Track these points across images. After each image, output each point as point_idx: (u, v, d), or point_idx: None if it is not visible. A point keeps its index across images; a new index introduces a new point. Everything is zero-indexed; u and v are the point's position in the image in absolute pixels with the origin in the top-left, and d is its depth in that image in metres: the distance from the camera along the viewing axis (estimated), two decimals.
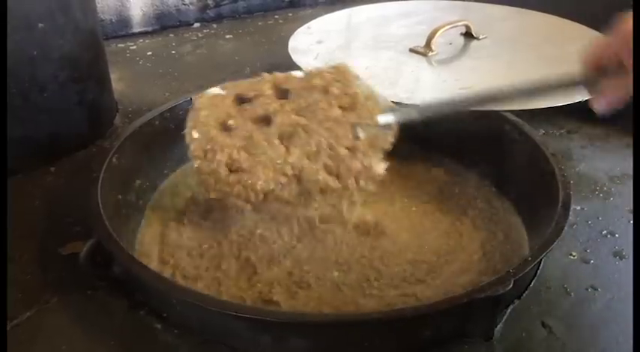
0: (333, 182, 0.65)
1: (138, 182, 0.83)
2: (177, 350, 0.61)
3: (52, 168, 0.90)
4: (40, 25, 0.82)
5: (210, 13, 1.51)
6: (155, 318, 0.64)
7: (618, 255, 0.73)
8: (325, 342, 0.58)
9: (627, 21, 0.54)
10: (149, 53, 1.32)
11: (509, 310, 0.64)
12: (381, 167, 0.67)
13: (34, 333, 0.63)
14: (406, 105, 0.74)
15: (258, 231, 0.73)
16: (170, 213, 0.80)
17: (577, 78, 0.58)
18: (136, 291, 0.66)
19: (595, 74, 0.56)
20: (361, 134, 0.66)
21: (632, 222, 0.79)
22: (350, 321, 0.57)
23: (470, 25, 1.08)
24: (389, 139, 0.67)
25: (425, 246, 0.72)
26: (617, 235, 0.77)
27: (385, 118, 0.68)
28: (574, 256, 0.73)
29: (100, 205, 0.68)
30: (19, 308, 0.65)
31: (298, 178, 0.65)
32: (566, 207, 0.66)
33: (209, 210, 0.78)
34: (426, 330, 0.59)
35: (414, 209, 0.79)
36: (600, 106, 0.58)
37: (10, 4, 0.77)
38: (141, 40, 1.39)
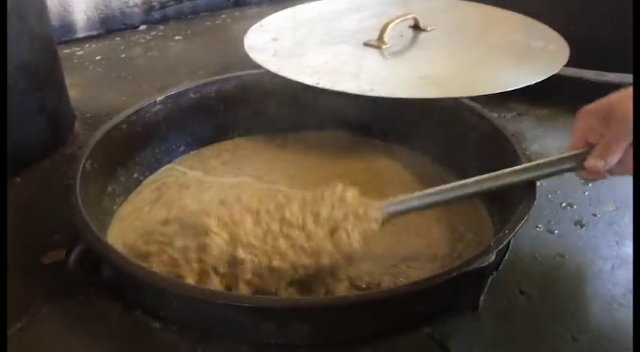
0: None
1: (110, 187, 0.83)
2: (178, 346, 0.62)
3: (18, 179, 0.88)
4: None
5: (156, 14, 1.49)
6: (152, 318, 0.64)
7: (579, 224, 0.80)
8: (325, 324, 0.61)
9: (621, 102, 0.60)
10: (98, 58, 1.30)
11: (488, 281, 0.68)
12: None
13: (30, 344, 0.62)
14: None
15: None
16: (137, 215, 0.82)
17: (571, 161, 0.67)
18: (129, 293, 0.66)
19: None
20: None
21: (587, 193, 0.85)
22: (347, 303, 0.60)
23: (417, 17, 1.13)
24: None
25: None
26: (575, 206, 0.83)
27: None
28: (540, 228, 0.79)
29: (83, 211, 0.68)
30: (9, 320, 0.64)
31: None
32: (533, 182, 0.72)
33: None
34: (419, 305, 0.62)
35: None
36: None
37: None
38: (87, 45, 1.36)
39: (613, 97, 0.62)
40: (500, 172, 0.70)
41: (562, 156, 0.69)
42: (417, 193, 0.70)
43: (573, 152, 0.67)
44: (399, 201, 0.69)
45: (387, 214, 0.67)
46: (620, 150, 0.61)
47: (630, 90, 0.60)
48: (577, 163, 0.66)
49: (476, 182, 0.69)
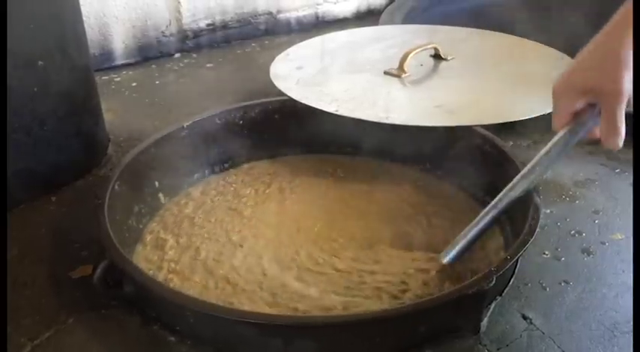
0: None
1: (137, 207, 0.88)
2: None
3: (53, 198, 0.94)
4: (40, 63, 0.87)
5: (190, 43, 1.57)
6: (168, 332, 0.68)
7: (586, 251, 0.81)
8: (330, 342, 0.64)
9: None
10: (134, 84, 1.38)
11: (492, 306, 0.70)
12: None
13: None
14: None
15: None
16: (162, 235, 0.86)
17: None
18: (148, 308, 0.71)
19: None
20: None
21: (597, 221, 0.87)
22: (350, 321, 0.63)
23: (438, 47, 1.16)
24: None
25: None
26: (584, 234, 0.84)
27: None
28: (547, 254, 0.80)
29: (109, 229, 0.73)
30: (38, 329, 0.69)
31: None
32: (537, 210, 0.74)
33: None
34: (420, 326, 0.65)
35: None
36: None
37: (12, 43, 0.82)
38: (124, 72, 1.44)
39: (581, 69, 0.63)
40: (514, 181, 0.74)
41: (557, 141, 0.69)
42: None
43: (565, 130, 0.67)
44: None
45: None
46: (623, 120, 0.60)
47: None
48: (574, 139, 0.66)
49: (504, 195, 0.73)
